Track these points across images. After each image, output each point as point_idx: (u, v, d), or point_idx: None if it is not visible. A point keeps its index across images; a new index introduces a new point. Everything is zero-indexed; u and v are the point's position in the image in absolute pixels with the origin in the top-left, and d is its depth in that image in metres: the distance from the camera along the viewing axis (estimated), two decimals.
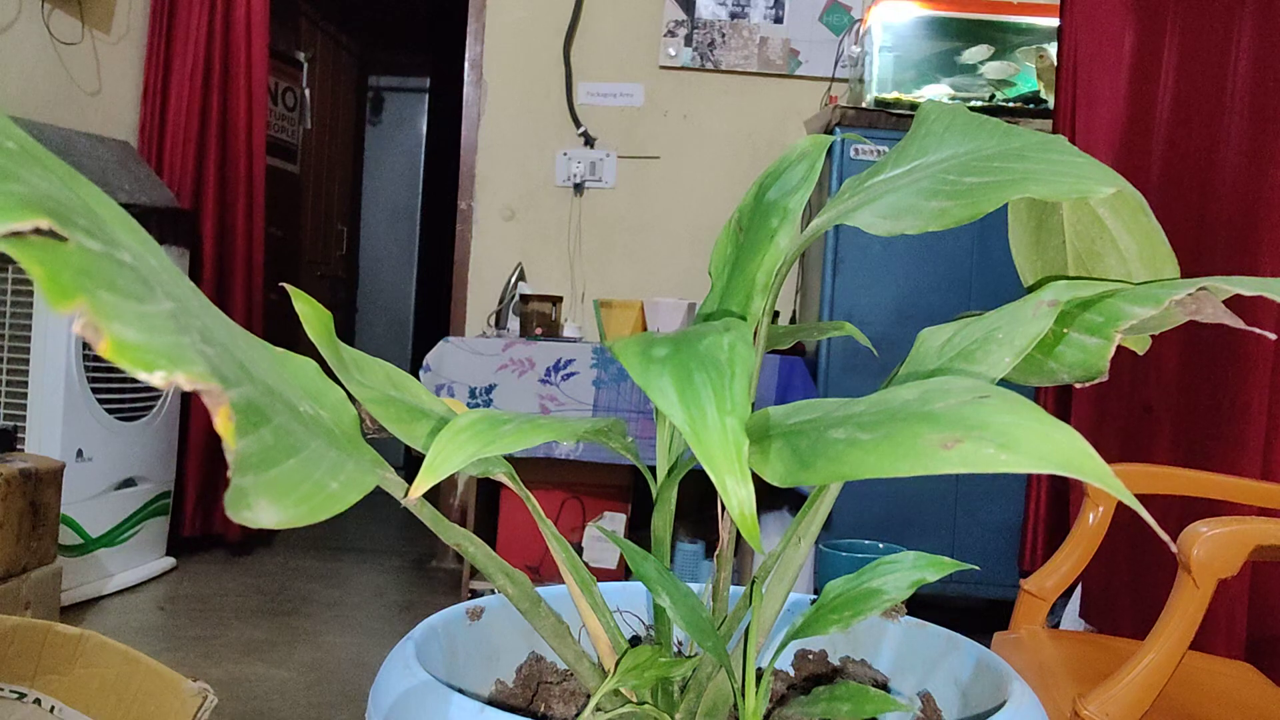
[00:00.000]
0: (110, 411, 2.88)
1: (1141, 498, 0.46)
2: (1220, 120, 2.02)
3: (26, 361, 2.73)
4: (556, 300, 3.24)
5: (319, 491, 0.41)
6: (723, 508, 0.66)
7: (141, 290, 0.34)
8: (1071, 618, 2.50)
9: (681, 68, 3.68)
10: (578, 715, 0.71)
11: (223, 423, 0.36)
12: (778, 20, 3.64)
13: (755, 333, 0.68)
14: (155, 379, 0.32)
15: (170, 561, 3.23)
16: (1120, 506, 1.55)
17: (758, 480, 0.48)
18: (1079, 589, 2.49)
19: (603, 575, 2.94)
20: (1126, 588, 2.19)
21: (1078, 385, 0.62)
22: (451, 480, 3.42)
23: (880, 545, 2.68)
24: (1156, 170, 2.22)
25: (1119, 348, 0.60)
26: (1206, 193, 2.05)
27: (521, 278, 3.47)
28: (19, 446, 2.63)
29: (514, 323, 3.38)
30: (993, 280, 2.94)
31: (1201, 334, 2.00)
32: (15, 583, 2.28)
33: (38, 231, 0.31)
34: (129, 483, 2.99)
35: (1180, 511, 1.72)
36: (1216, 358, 1.96)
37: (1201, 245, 2.04)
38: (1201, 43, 2.11)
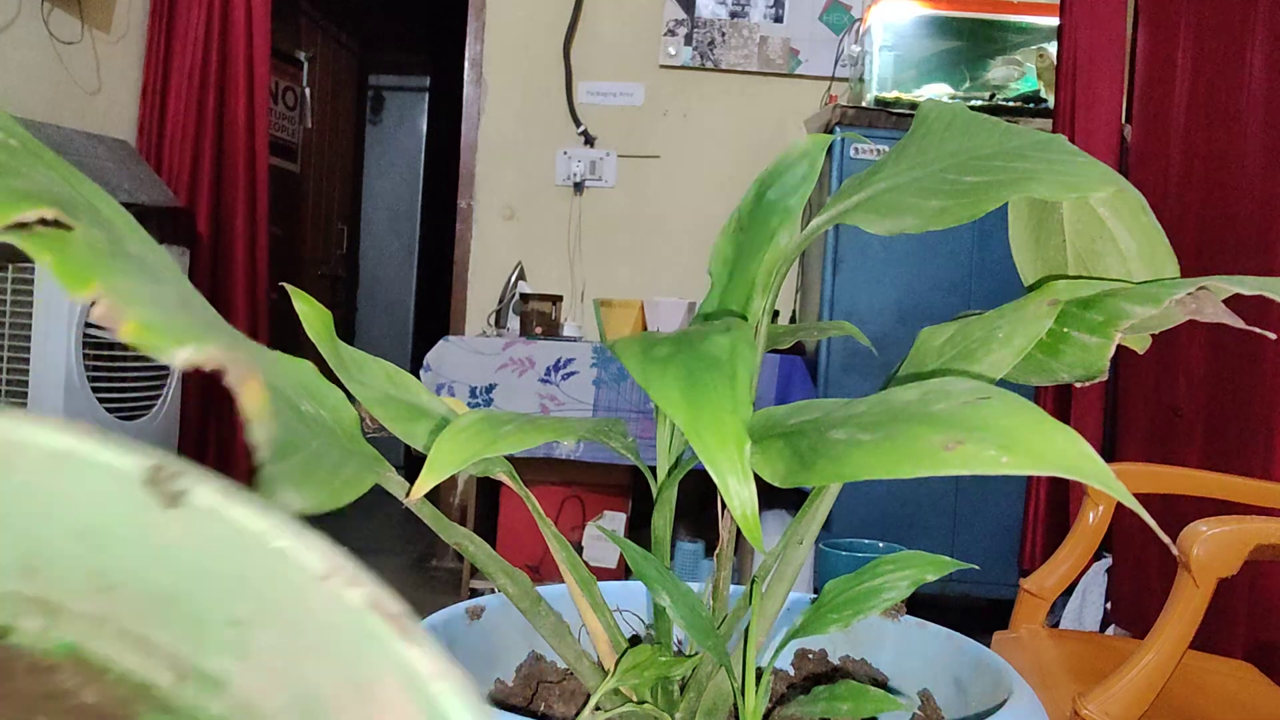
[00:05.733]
0: (110, 411, 2.88)
1: (1143, 498, 0.46)
2: (1236, 119, 2.02)
3: (26, 361, 2.73)
4: (556, 300, 3.24)
5: (331, 481, 0.41)
6: (723, 507, 0.66)
7: (151, 276, 0.34)
8: (1072, 617, 2.50)
9: (681, 67, 3.68)
10: (578, 715, 0.71)
11: (252, 398, 0.31)
12: (778, 19, 3.64)
13: (755, 332, 0.68)
14: (181, 356, 0.29)
15: None
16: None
17: (757, 480, 0.48)
18: (1079, 589, 2.49)
19: (603, 574, 2.93)
20: (1160, 590, 2.18)
21: (1078, 385, 0.62)
22: (452, 479, 3.41)
23: (880, 545, 2.68)
24: (1176, 170, 2.21)
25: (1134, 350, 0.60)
26: (1224, 192, 2.04)
27: (521, 277, 3.47)
28: None
29: (514, 322, 3.38)
30: (993, 280, 2.94)
31: (1235, 335, 1.98)
32: None
33: (43, 222, 0.31)
34: None
35: (1189, 513, 1.72)
36: (1249, 360, 1.95)
37: (1215, 245, 2.04)
38: (1215, 42, 2.11)
